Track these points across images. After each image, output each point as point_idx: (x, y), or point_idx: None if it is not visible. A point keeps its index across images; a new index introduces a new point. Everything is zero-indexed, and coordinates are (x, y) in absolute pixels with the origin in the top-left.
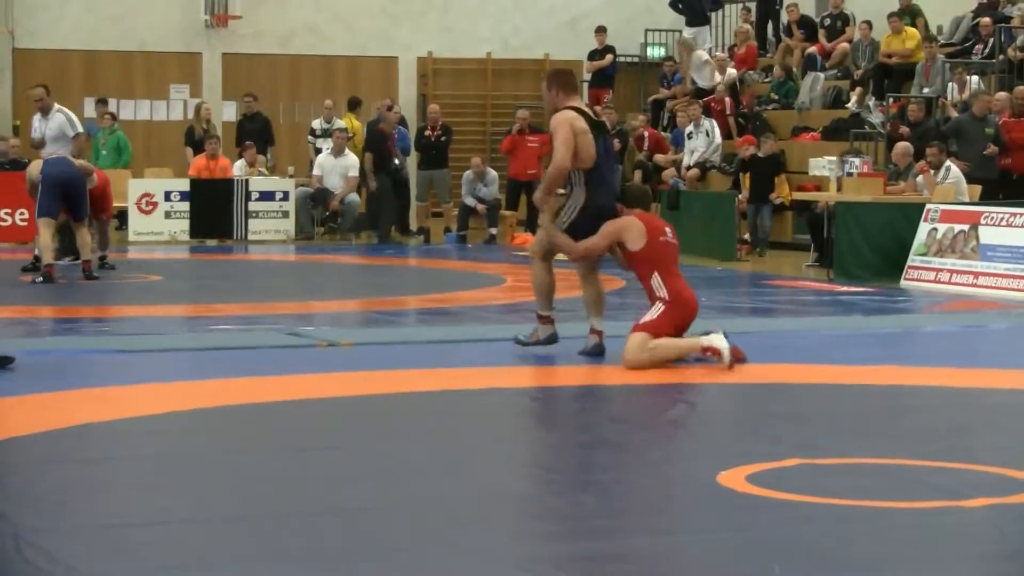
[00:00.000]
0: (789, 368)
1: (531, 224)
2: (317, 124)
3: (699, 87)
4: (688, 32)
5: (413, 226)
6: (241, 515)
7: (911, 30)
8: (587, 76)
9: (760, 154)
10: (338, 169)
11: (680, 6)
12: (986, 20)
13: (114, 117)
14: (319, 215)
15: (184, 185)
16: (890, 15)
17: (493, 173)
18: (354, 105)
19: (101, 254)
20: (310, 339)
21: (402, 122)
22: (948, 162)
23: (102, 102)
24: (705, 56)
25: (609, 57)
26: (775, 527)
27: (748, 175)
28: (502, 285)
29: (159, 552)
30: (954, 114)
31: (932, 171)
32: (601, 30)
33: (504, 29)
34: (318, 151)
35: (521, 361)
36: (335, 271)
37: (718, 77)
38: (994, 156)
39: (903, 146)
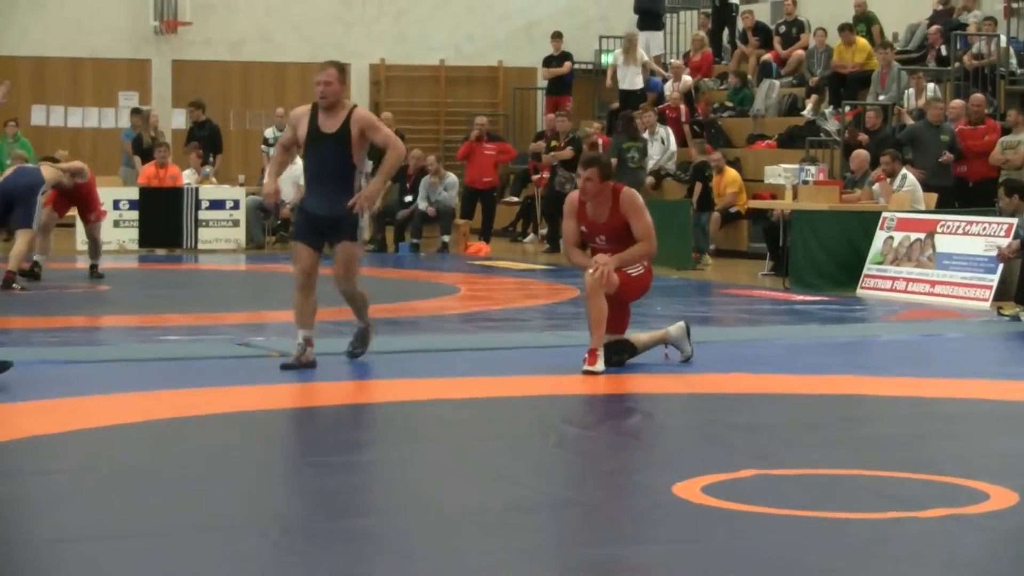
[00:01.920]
0: (745, 378)
1: (484, 233)
2: (270, 132)
3: (622, 89)
4: (642, 37)
5: (365, 235)
6: (190, 528)
7: (862, 41)
8: (543, 83)
9: (693, 162)
10: (290, 177)
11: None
12: (934, 28)
13: (17, 123)
14: (270, 224)
15: (133, 193)
16: (841, 27)
17: (453, 177)
18: None
19: (92, 263)
20: (261, 350)
21: None
22: (904, 170)
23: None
24: (646, 58)
25: (568, 64)
26: (730, 538)
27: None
28: (456, 295)
29: (107, 568)
30: (910, 121)
31: (888, 179)
32: (557, 36)
33: (457, 36)
34: (270, 159)
35: (477, 372)
36: (286, 281)
37: (640, 83)
38: (949, 164)
39: (861, 154)
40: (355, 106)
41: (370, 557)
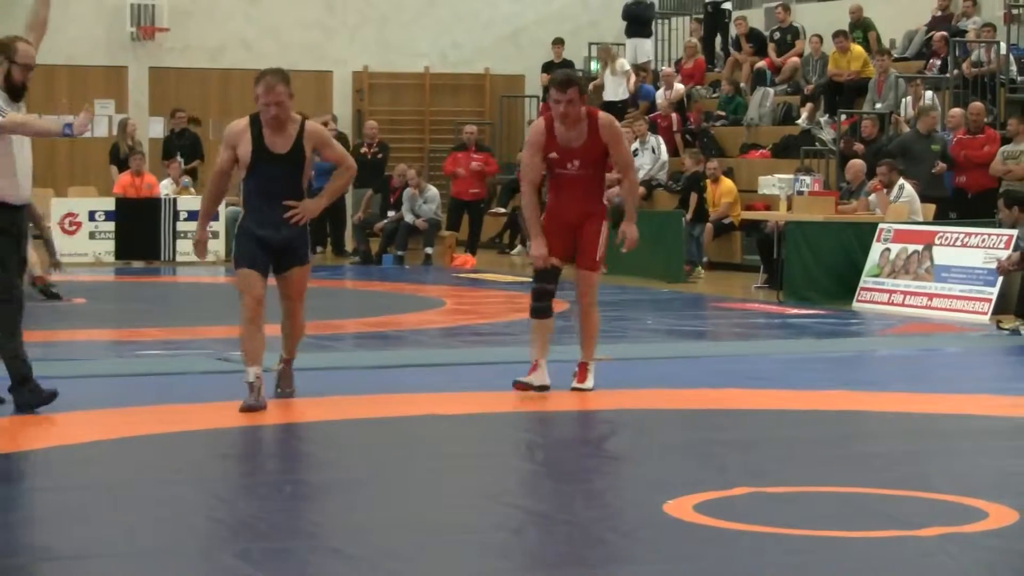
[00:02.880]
0: (738, 393)
1: (470, 246)
2: None
3: (605, 100)
4: (630, 44)
5: (348, 246)
6: (168, 548)
7: (857, 48)
8: (530, 90)
9: (687, 172)
10: None
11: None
12: (938, 35)
13: None
14: None
15: (109, 204)
16: (835, 34)
17: (434, 190)
18: None
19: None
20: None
21: (340, 138)
22: (902, 180)
23: None
24: (627, 67)
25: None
26: (724, 558)
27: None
28: (441, 308)
29: None
30: (908, 131)
31: (884, 189)
32: (558, 42)
33: (443, 43)
34: None
35: (462, 387)
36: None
37: (623, 93)
38: (942, 175)
39: (857, 164)
40: (304, 119)
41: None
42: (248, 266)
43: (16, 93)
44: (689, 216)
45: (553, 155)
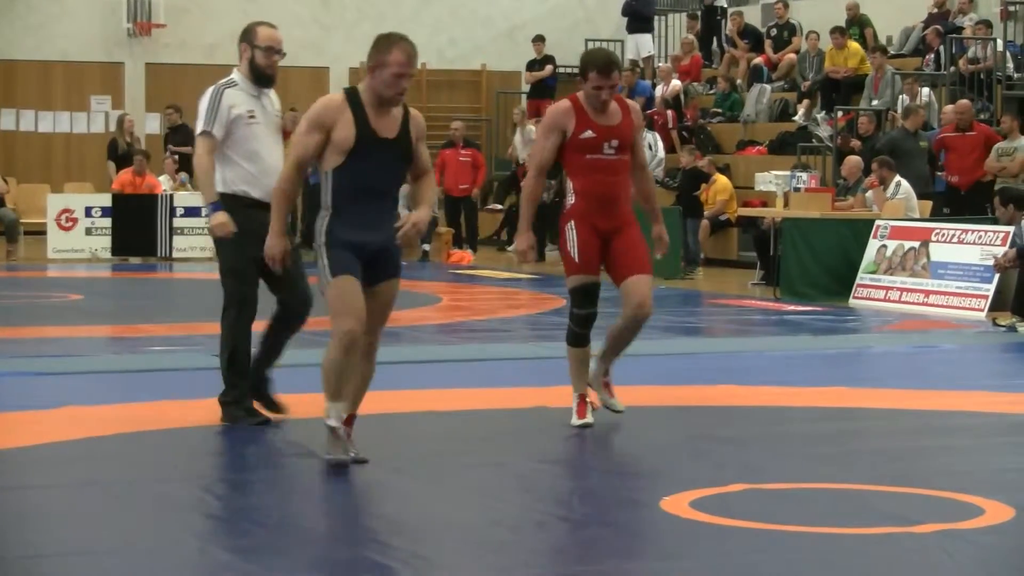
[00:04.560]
0: (734, 390)
1: (469, 241)
2: None
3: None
4: (631, 39)
5: None
6: (165, 546)
7: (854, 45)
8: (526, 87)
9: (686, 168)
10: None
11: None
12: (932, 29)
13: None
14: None
15: (106, 200)
16: (833, 30)
17: None
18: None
19: None
20: None
21: None
22: (898, 177)
23: None
24: (534, 134)
25: (549, 68)
26: (720, 554)
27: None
28: (437, 305)
29: None
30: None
31: (881, 186)
32: (539, 39)
33: (440, 40)
34: None
35: (457, 383)
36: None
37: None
38: (928, 173)
39: (854, 160)
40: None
41: (352, 574)
42: (349, 272)
43: (264, 79)
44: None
45: (588, 134)
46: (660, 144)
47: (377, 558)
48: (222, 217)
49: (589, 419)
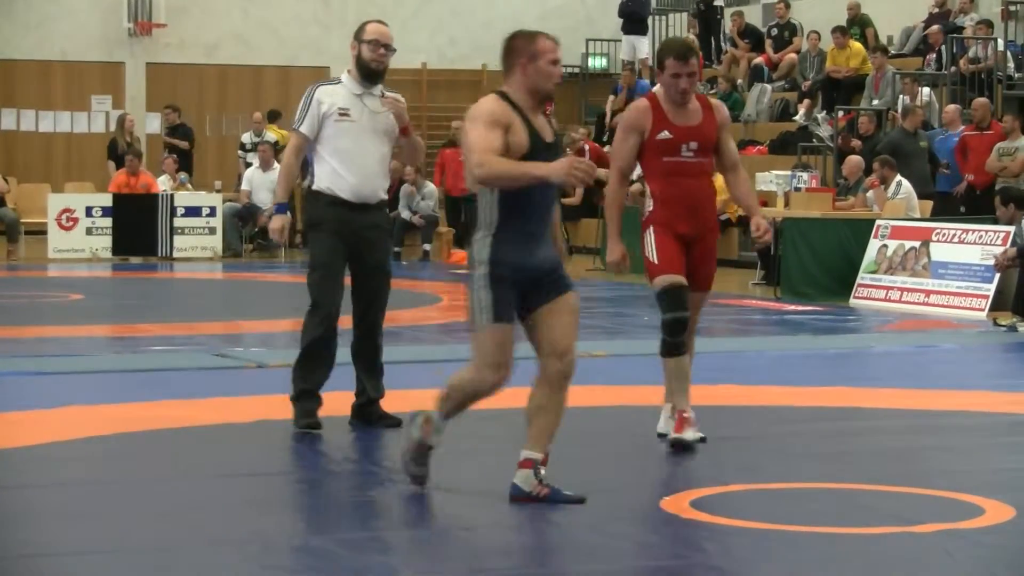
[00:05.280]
0: (734, 389)
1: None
2: (247, 137)
3: None
4: (627, 40)
5: None
6: (165, 546)
7: (856, 45)
8: None
9: None
10: (267, 184)
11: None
12: (934, 29)
13: None
14: (248, 232)
15: (106, 200)
16: (834, 30)
17: (431, 186)
18: (274, 117)
19: None
20: (238, 360)
21: None
22: (899, 177)
23: None
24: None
25: None
26: (721, 554)
27: None
28: (438, 304)
29: None
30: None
31: (882, 186)
32: None
33: (440, 39)
34: (248, 165)
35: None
36: (264, 289)
37: None
38: (928, 173)
39: (854, 160)
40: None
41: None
42: (509, 320)
43: (371, 74)
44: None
45: (665, 135)
46: None
47: (370, 553)
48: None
49: (688, 435)
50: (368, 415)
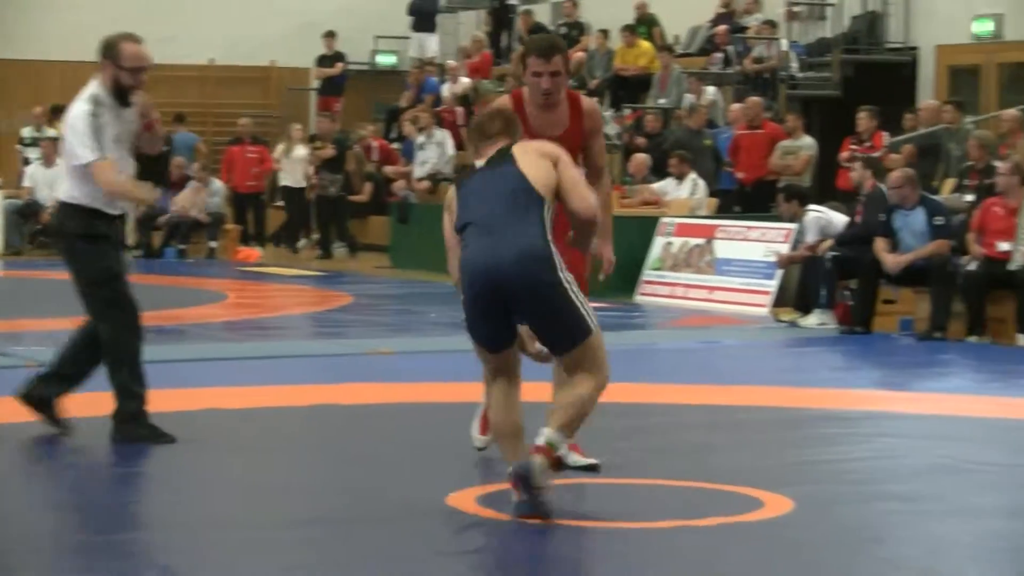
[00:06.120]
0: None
1: (258, 238)
2: (27, 132)
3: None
4: (416, 38)
5: (131, 240)
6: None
7: (645, 44)
8: (316, 83)
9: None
10: (49, 180)
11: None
12: (720, 29)
13: None
14: (29, 229)
15: None
16: (623, 28)
17: (218, 183)
18: (57, 112)
19: None
20: (18, 359)
21: None
22: (694, 174)
23: None
24: (304, 152)
25: (339, 65)
26: (505, 549)
27: None
28: (223, 302)
29: None
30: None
31: (677, 182)
32: (330, 35)
33: (228, 35)
34: (27, 161)
35: (244, 381)
36: (47, 288)
37: (303, 181)
38: (713, 170)
39: (640, 158)
40: None
41: (137, 572)
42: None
43: (125, 97)
44: None
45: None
46: (449, 141)
47: (162, 554)
48: None
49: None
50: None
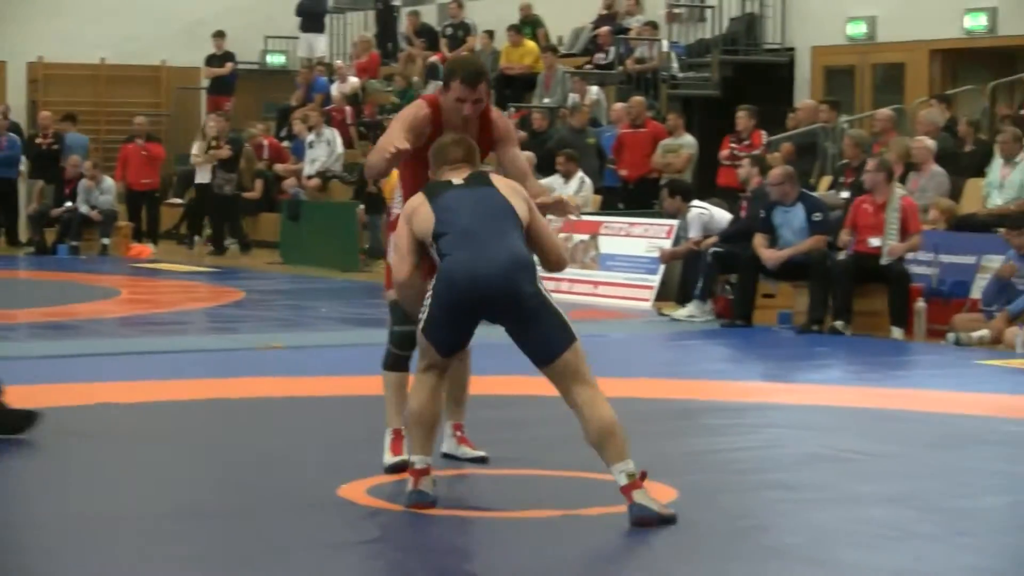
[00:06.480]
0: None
1: (150, 235)
2: None
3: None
4: (304, 39)
5: (23, 237)
6: None
7: (530, 44)
8: (205, 82)
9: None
10: None
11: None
12: (603, 29)
13: None
14: None
15: None
16: (509, 28)
17: (110, 181)
18: None
19: None
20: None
21: (14, 129)
22: (581, 173)
23: None
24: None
25: (229, 64)
26: (393, 539)
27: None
28: (116, 298)
29: None
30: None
31: (564, 180)
32: (219, 35)
33: (119, 34)
34: None
35: (138, 375)
36: None
37: (208, 177)
38: (597, 168)
39: (526, 155)
40: None
41: (25, 568)
42: None
43: None
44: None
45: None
46: (338, 139)
47: (49, 549)
48: None
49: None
50: None
